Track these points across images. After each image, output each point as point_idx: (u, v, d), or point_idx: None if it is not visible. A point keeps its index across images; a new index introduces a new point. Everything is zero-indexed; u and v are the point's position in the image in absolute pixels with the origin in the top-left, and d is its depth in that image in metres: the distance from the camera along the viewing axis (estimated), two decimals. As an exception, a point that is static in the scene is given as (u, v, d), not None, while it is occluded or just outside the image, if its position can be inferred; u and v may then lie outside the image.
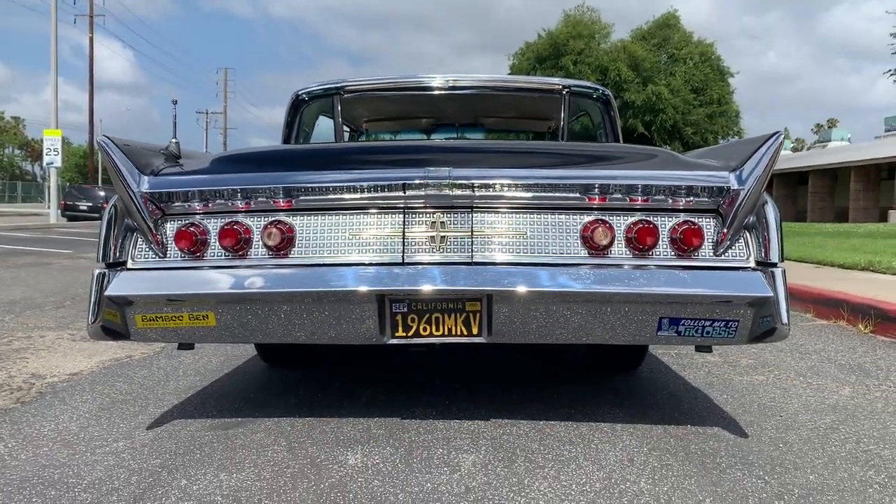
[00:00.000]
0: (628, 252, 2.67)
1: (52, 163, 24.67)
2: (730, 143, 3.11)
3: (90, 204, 28.61)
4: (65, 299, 6.86)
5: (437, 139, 3.42)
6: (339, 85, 4.29)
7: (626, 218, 2.68)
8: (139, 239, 2.71)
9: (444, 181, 2.67)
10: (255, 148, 3.44)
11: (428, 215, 2.72)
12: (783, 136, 2.59)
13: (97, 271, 2.64)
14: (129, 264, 2.69)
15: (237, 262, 2.69)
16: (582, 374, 3.87)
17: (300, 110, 4.44)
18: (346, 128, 5.08)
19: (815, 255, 9.99)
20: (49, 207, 25.89)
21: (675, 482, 2.42)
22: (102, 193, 29.68)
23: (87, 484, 2.37)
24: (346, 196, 2.71)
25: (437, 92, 4.36)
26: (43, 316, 5.90)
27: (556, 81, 4.42)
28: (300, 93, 4.40)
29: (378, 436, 2.86)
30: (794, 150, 65.04)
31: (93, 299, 2.62)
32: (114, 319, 2.66)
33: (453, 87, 4.34)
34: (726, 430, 2.96)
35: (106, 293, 2.60)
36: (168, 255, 2.70)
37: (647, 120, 36.20)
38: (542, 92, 4.51)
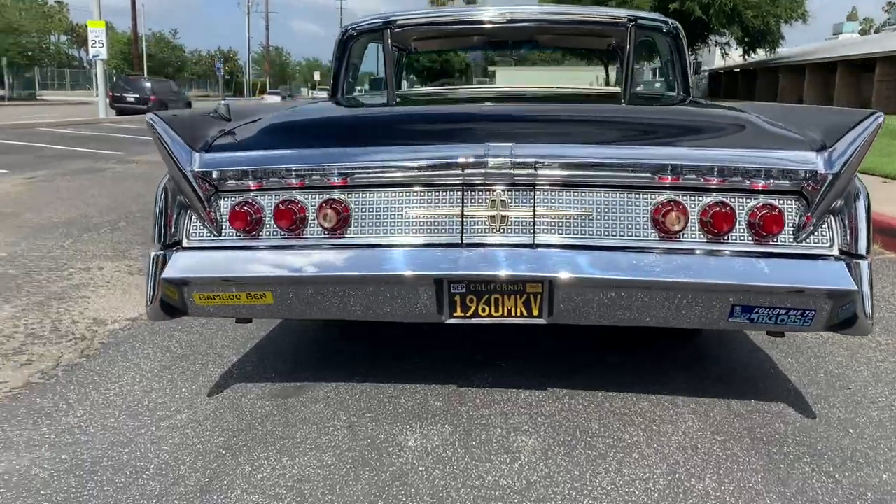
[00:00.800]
0: (702, 236, 2.52)
1: (97, 55, 24.52)
2: (820, 110, 2.85)
3: (137, 95, 28.65)
4: (119, 219, 6.94)
5: (494, 106, 3.20)
6: (389, 19, 4.06)
7: (700, 199, 2.52)
8: (193, 217, 2.65)
9: (506, 159, 2.53)
10: (307, 113, 3.28)
11: (488, 193, 2.59)
12: (882, 117, 2.36)
13: (153, 254, 2.59)
14: (185, 243, 2.64)
15: (293, 242, 2.62)
16: (640, 337, 3.79)
17: (349, 46, 4.25)
18: (395, 48, 4.86)
19: (882, 165, 9.54)
20: (97, 96, 25.95)
21: (742, 479, 2.37)
22: (149, 85, 29.68)
23: (154, 469, 2.42)
24: (402, 173, 2.59)
25: (492, 26, 4.10)
26: (99, 241, 5.99)
27: (622, 13, 4.11)
28: (349, 28, 4.20)
29: (436, 409, 2.85)
30: (862, 32, 61.32)
31: (150, 283, 2.59)
32: (172, 296, 2.64)
33: (510, 21, 4.08)
34: (792, 409, 2.88)
35: (163, 276, 2.57)
36: (223, 234, 2.64)
37: (705, 2, 34.26)
38: (605, 25, 4.21)
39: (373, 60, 5.35)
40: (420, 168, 2.58)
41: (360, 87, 4.69)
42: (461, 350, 3.45)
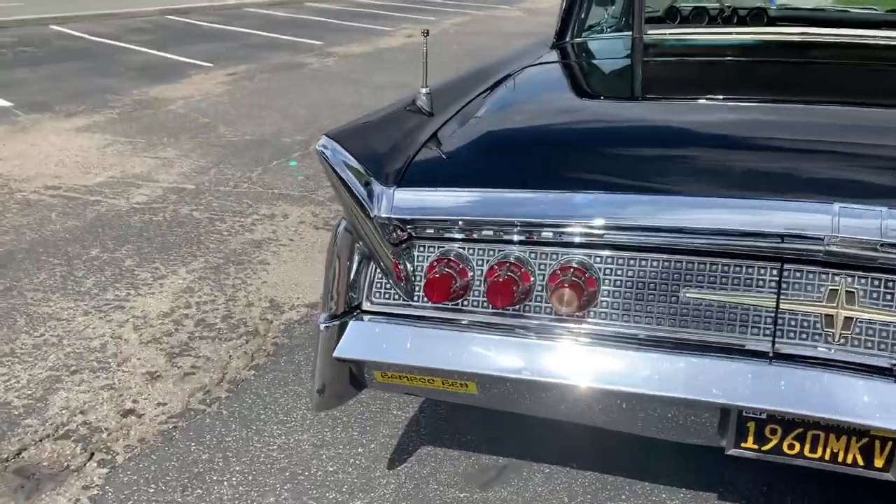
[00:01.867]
0: None
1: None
2: None
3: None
4: (310, 139, 6.45)
5: (828, 117, 2.10)
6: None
7: None
8: (377, 272, 1.91)
9: (871, 233, 1.54)
10: (536, 114, 2.32)
11: (823, 276, 1.63)
12: None
13: (323, 326, 1.89)
14: (366, 306, 1.91)
15: (511, 322, 1.82)
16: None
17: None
18: None
19: None
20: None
21: None
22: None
23: None
24: (682, 236, 1.68)
25: None
26: (288, 172, 5.53)
27: None
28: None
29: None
30: None
31: (320, 365, 1.91)
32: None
33: None
34: None
35: (335, 354, 1.87)
36: (415, 299, 1.88)
37: None
38: None
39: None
40: (709, 231, 1.66)
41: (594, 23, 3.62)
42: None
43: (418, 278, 1.86)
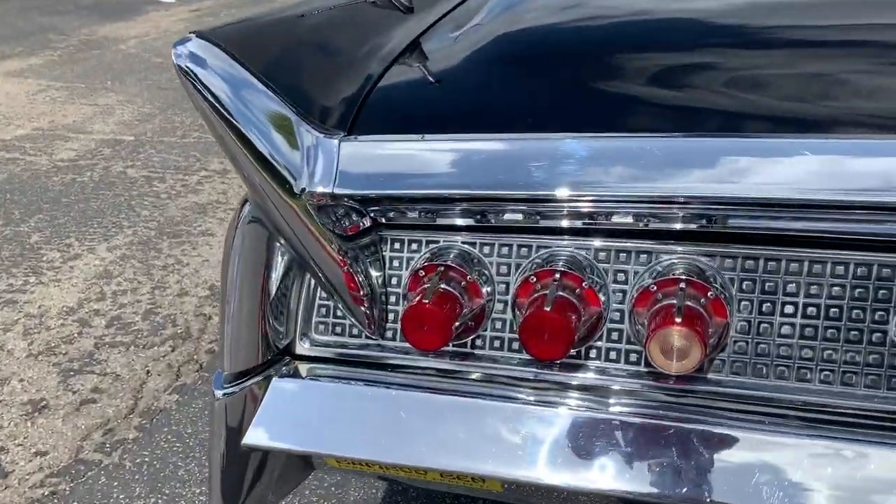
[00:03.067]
0: None
1: None
2: None
3: None
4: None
5: None
6: None
7: None
8: (318, 290, 1.07)
9: None
10: (584, 19, 1.39)
11: None
12: None
13: (220, 392, 1.06)
14: (301, 349, 1.08)
15: (564, 380, 0.99)
16: None
17: None
18: None
19: None
20: None
21: None
22: None
23: None
24: None
25: None
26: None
27: None
28: None
29: None
30: None
31: (216, 458, 1.09)
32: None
33: None
34: None
35: (244, 441, 1.05)
36: (388, 335, 1.06)
37: None
38: None
39: None
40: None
41: None
42: None
43: (392, 299, 1.03)
